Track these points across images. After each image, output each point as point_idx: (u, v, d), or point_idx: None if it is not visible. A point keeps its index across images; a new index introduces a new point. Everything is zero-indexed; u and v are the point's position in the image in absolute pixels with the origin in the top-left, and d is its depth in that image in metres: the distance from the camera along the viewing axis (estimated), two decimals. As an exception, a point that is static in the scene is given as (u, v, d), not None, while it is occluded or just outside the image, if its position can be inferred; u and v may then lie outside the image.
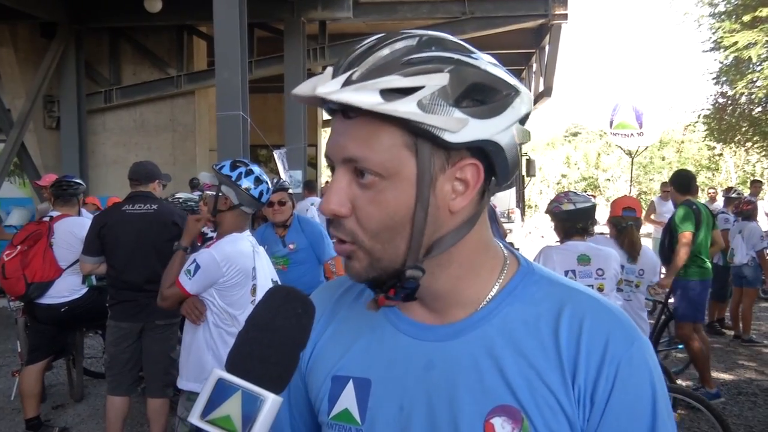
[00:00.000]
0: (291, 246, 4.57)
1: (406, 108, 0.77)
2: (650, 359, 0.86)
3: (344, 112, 0.83)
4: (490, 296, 0.91)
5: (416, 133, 0.80)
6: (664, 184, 11.72)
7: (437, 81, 0.78)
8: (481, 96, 0.81)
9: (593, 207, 4.00)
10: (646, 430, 0.83)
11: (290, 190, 4.64)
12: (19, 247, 4.62)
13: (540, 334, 0.87)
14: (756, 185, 11.83)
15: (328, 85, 0.79)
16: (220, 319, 3.17)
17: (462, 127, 0.79)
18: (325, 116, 19.59)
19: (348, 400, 0.94)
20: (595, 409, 0.83)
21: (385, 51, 0.80)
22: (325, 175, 20.32)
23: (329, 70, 0.83)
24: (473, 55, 0.83)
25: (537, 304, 0.90)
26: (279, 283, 3.37)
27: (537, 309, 0.89)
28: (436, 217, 0.84)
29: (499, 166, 0.85)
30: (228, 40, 6.78)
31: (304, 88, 0.83)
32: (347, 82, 0.79)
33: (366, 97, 0.77)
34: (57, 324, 4.77)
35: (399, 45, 0.81)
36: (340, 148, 0.83)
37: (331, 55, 11.83)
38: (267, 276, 3.35)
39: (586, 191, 19.37)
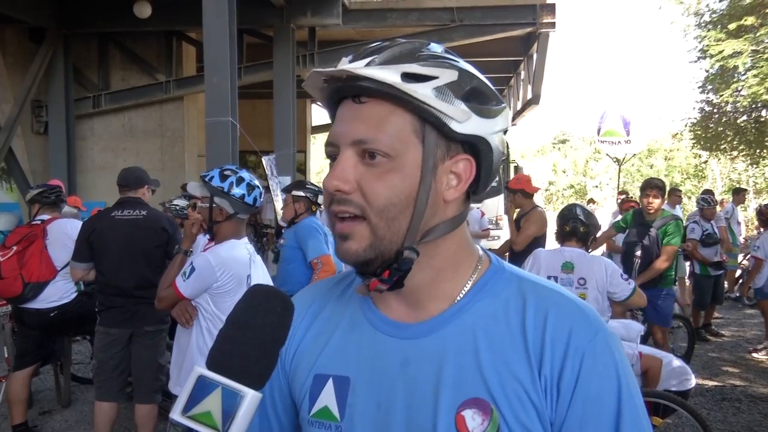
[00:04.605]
0: (281, 240, 4.86)
1: (423, 91, 0.85)
2: (615, 350, 0.90)
3: (356, 96, 0.89)
4: (463, 292, 0.96)
5: (425, 119, 0.87)
6: (673, 191, 11.73)
7: (449, 75, 0.87)
8: (479, 100, 0.90)
9: (571, 208, 4.13)
10: (612, 418, 0.86)
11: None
12: (14, 247, 4.61)
13: (509, 327, 0.91)
14: (740, 194, 11.89)
15: (355, 63, 0.87)
16: (213, 325, 3.18)
17: (467, 119, 0.88)
18: (315, 122, 19.66)
19: (327, 397, 0.97)
20: (562, 399, 0.87)
21: (402, 46, 0.89)
22: (314, 181, 20.22)
23: (344, 58, 0.90)
24: (471, 67, 0.93)
25: (506, 299, 0.94)
26: None
27: (506, 303, 0.93)
28: (435, 203, 0.90)
29: (484, 169, 0.92)
30: (217, 45, 6.79)
31: (327, 69, 0.89)
32: (370, 64, 0.86)
33: (390, 75, 0.85)
34: (45, 329, 4.75)
35: (414, 43, 0.91)
36: (350, 131, 0.89)
37: (320, 61, 11.85)
38: None
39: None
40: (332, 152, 0.92)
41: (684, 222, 9.41)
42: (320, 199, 4.72)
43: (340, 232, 0.91)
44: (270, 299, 0.84)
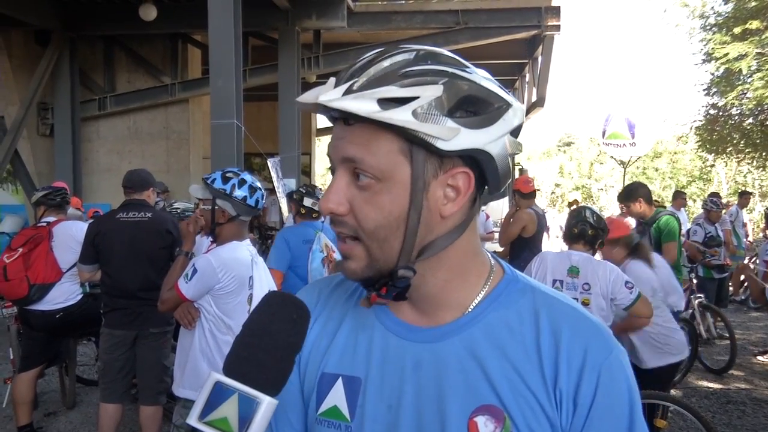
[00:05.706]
0: None
1: (401, 116, 0.82)
2: (627, 366, 0.92)
3: (345, 119, 0.87)
4: (476, 301, 0.95)
5: (411, 140, 0.84)
6: (677, 193, 11.65)
7: (432, 92, 0.83)
8: (473, 108, 0.85)
9: (581, 211, 4.09)
10: (625, 429, 0.89)
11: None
12: (20, 249, 4.63)
13: (523, 338, 0.91)
14: (745, 196, 11.86)
15: (329, 94, 0.84)
16: (216, 326, 3.19)
17: (454, 136, 0.83)
18: (320, 125, 19.73)
19: (337, 397, 0.97)
20: (579, 412, 0.88)
21: (385, 63, 0.85)
22: (318, 183, 20.25)
23: (332, 80, 0.88)
24: (467, 69, 0.88)
25: (520, 310, 0.94)
26: None
27: (520, 315, 0.93)
28: (428, 221, 0.88)
29: (490, 175, 0.89)
30: (222, 48, 6.80)
31: (308, 96, 0.87)
32: (348, 92, 0.83)
33: (364, 105, 0.82)
34: (51, 331, 4.76)
35: (398, 58, 0.86)
36: (340, 150, 0.88)
37: (325, 64, 11.87)
38: (264, 287, 3.34)
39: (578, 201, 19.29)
40: (331, 166, 0.93)
41: (688, 224, 9.40)
42: (306, 201, 4.71)
43: (342, 251, 0.92)
44: (286, 306, 0.84)
